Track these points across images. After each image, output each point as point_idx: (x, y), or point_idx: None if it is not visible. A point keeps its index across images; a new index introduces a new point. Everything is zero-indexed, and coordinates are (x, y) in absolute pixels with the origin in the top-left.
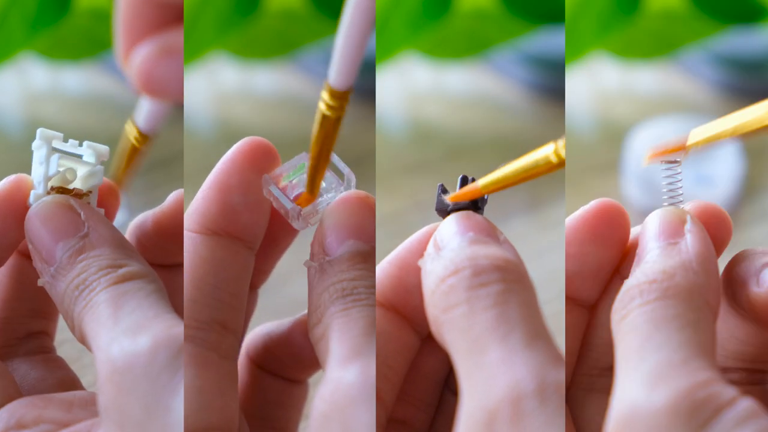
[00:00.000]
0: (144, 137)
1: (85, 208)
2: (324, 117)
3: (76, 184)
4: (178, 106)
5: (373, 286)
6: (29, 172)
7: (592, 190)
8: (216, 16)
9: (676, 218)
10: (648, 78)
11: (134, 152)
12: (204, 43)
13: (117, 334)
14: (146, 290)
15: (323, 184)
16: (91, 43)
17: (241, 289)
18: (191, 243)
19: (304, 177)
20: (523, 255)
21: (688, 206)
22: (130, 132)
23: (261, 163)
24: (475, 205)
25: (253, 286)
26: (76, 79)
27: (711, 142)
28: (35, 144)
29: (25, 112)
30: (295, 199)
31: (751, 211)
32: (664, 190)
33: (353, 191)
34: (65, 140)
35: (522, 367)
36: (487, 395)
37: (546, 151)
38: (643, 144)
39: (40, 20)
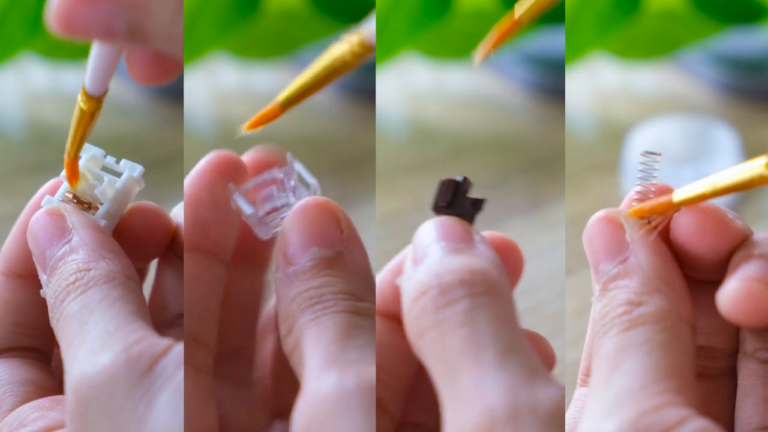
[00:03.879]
0: (92, 99)
1: (74, 214)
2: (82, 112)
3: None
4: (101, 43)
5: (342, 292)
6: (29, 172)
7: (592, 190)
8: (216, 16)
9: (613, 227)
10: (648, 78)
11: (83, 117)
12: (204, 43)
13: (81, 356)
14: (111, 297)
15: (290, 195)
16: (91, 43)
17: (213, 303)
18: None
19: (273, 189)
20: (523, 255)
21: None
22: (80, 100)
23: (229, 176)
24: (470, 207)
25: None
26: (75, 79)
27: (698, 202)
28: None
29: (25, 112)
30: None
31: (751, 211)
32: (639, 175)
33: (312, 197)
34: (104, 156)
35: (493, 390)
36: (463, 422)
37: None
38: (643, 144)
39: (41, 20)
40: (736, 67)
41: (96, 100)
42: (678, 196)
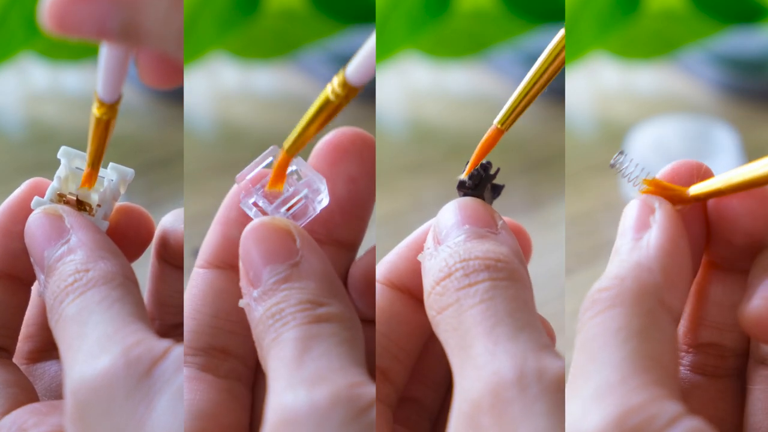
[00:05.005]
0: (106, 106)
1: (71, 215)
2: (97, 121)
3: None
4: (95, 42)
5: (300, 302)
6: (29, 172)
7: (592, 190)
8: (216, 16)
9: (645, 208)
10: (648, 78)
11: (99, 126)
12: (204, 43)
13: (80, 358)
14: (110, 299)
15: (301, 185)
16: (91, 43)
17: (245, 316)
18: (193, 278)
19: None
20: None
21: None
22: (94, 107)
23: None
24: (490, 192)
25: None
26: (75, 79)
27: (712, 197)
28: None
29: (25, 112)
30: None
31: None
32: (627, 180)
33: (257, 220)
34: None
35: (504, 357)
36: (472, 387)
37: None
38: (643, 144)
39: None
40: (736, 67)
41: (110, 106)
42: (693, 190)
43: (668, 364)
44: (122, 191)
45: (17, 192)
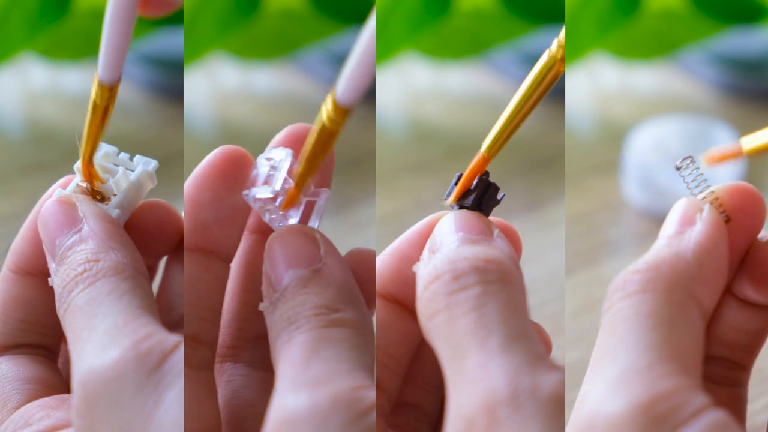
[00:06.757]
0: (106, 90)
1: (85, 204)
2: (95, 106)
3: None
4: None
5: (315, 306)
6: (29, 172)
7: (592, 190)
8: (216, 16)
9: (693, 207)
10: (648, 78)
11: (96, 112)
12: (204, 43)
13: (89, 350)
14: (120, 290)
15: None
16: (92, 43)
17: (214, 301)
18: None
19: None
20: (523, 255)
21: (717, 187)
22: (93, 93)
23: (231, 174)
24: (482, 202)
25: None
26: (75, 79)
27: (764, 150)
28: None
29: (25, 112)
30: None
31: None
32: (689, 186)
33: (285, 226)
34: (118, 153)
35: (497, 373)
36: (465, 404)
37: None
38: (643, 144)
39: (40, 20)
40: (736, 67)
41: (109, 90)
42: (747, 145)
43: (693, 354)
44: (151, 183)
45: (53, 188)
